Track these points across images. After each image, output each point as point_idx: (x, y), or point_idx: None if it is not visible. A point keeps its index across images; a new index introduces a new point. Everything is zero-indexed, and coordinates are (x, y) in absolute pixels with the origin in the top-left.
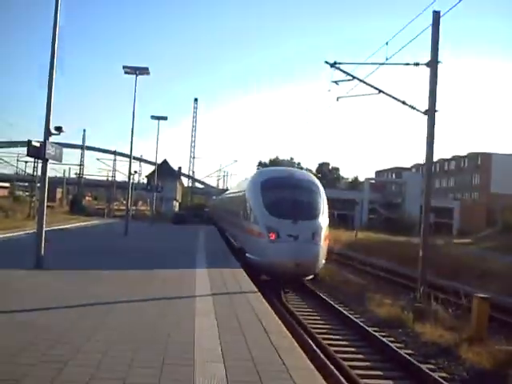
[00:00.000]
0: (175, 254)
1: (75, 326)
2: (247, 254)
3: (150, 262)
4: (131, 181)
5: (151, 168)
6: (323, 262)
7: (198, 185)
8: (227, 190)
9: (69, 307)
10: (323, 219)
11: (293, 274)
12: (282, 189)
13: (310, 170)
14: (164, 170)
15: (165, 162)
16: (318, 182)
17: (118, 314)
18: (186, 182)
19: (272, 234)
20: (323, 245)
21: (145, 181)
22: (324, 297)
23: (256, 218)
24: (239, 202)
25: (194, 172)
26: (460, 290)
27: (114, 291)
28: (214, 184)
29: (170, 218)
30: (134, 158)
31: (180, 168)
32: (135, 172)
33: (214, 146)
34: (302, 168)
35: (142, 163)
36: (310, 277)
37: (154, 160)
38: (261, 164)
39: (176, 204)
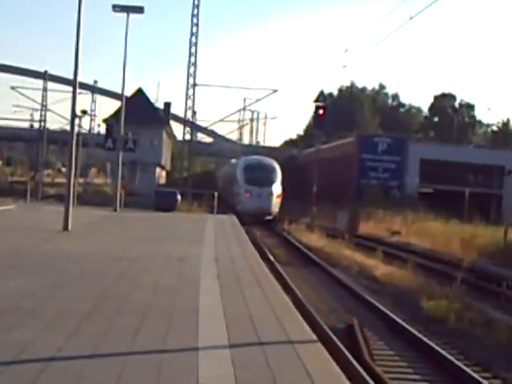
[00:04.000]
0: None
1: None
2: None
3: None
4: (76, 129)
5: (114, 106)
6: (276, 210)
7: (202, 137)
8: (258, 145)
9: None
10: (276, 186)
11: (258, 215)
12: (254, 169)
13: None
14: (138, 109)
15: (139, 92)
16: (275, 164)
17: None
18: (180, 131)
19: (248, 193)
20: (275, 200)
21: (102, 130)
22: (451, 358)
23: (240, 185)
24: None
25: (195, 113)
26: None
27: None
28: (231, 137)
29: (152, 200)
30: (83, 87)
31: (169, 106)
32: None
33: (231, 75)
34: None
35: (99, 96)
36: (270, 217)
37: (118, 90)
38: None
39: (162, 174)
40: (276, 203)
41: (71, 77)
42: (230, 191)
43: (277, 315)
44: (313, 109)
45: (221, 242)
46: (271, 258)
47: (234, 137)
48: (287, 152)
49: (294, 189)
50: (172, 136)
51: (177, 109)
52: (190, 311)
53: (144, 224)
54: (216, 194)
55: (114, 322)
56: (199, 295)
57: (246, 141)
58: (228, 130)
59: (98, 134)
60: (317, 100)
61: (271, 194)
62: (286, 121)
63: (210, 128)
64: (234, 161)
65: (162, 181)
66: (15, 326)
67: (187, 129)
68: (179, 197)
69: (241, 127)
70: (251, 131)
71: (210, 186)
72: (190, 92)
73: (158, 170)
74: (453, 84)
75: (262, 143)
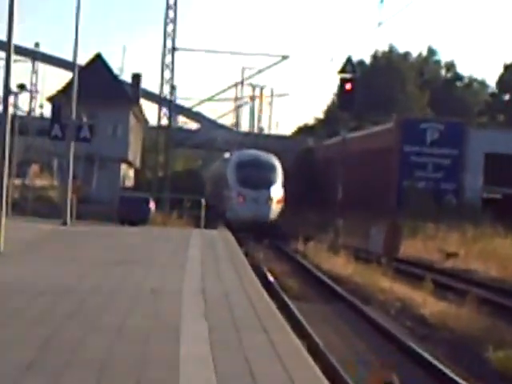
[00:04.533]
0: None
1: None
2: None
3: None
4: (10, 110)
5: (63, 79)
6: (274, 218)
7: (184, 122)
8: (261, 133)
9: None
10: (276, 188)
11: (253, 225)
12: (249, 167)
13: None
14: (97, 83)
15: (98, 60)
16: (275, 160)
17: None
18: (154, 114)
19: (241, 197)
20: (275, 206)
21: (46, 112)
22: None
23: (231, 187)
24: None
25: (174, 89)
26: None
27: None
28: (225, 121)
29: (115, 210)
30: (20, 52)
31: (138, 78)
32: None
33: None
34: None
35: (42, 66)
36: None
37: (69, 57)
38: None
39: (129, 173)
40: (276, 210)
41: (3, 38)
42: (218, 195)
43: (289, 374)
44: (337, 83)
45: (210, 268)
46: (280, 290)
47: (228, 122)
48: (301, 143)
49: (310, 193)
50: (143, 120)
51: (149, 83)
52: (167, 369)
53: (104, 243)
54: (203, 200)
55: None
56: (180, 344)
57: (244, 127)
58: (220, 113)
59: (41, 117)
60: (343, 71)
61: (270, 198)
62: (299, 100)
63: (195, 109)
64: (227, 155)
65: (129, 183)
66: None
67: (164, 110)
68: (152, 205)
69: (238, 108)
70: (252, 114)
71: (194, 190)
72: (168, 59)
73: (123, 167)
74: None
75: (266, 131)
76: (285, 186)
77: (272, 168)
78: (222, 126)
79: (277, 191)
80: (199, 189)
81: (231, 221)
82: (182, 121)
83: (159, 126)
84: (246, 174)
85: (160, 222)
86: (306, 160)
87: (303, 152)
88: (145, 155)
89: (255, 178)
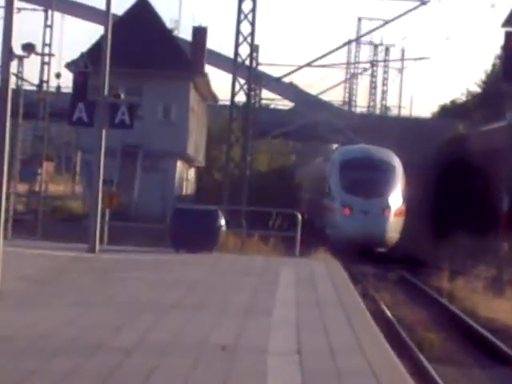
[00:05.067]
0: None
1: None
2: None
3: None
4: (12, 82)
5: (90, 37)
6: (394, 237)
7: (271, 99)
8: (386, 115)
9: None
10: (395, 197)
11: (363, 245)
12: (357, 168)
13: None
14: (141, 41)
15: (143, 7)
16: (394, 158)
17: None
18: (226, 86)
19: (346, 208)
20: (393, 221)
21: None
22: None
23: (333, 195)
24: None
25: (255, 48)
26: None
27: None
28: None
29: (167, 228)
30: None
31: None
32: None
33: None
34: None
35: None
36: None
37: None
38: None
39: (189, 174)
40: (395, 226)
41: None
42: (317, 206)
43: None
44: (501, 40)
45: (309, 317)
46: (415, 348)
47: (336, 99)
48: (447, 128)
49: (459, 203)
50: (209, 97)
51: (217, 41)
52: None
53: (151, 278)
54: (299, 215)
55: None
56: None
57: (361, 107)
58: (324, 87)
59: (58, 91)
60: (509, 22)
61: (386, 209)
62: (443, 66)
63: (287, 80)
64: (335, 148)
65: (190, 188)
66: None
67: (241, 82)
68: (223, 221)
69: (351, 79)
70: (372, 87)
71: (286, 199)
72: (247, 6)
73: (179, 166)
74: None
75: (394, 111)
76: (412, 192)
77: (389, 169)
78: (326, 106)
79: (396, 200)
80: (292, 197)
81: (333, 240)
82: (268, 97)
83: (233, 105)
84: (353, 178)
85: (235, 246)
86: (454, 154)
87: (450, 142)
88: (212, 149)
89: (366, 182)
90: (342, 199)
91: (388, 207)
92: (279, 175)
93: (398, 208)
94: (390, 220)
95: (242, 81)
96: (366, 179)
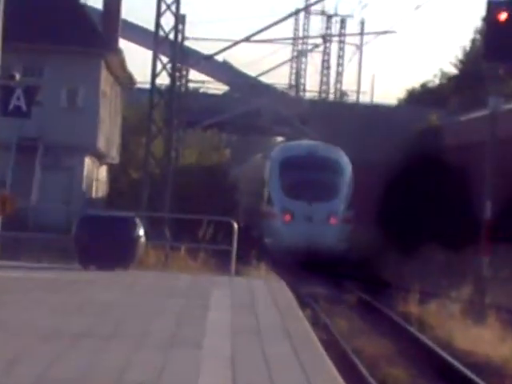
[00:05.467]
0: None
1: None
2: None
3: None
4: None
5: None
6: (342, 246)
7: (200, 82)
8: (344, 101)
9: None
10: (341, 201)
11: (307, 256)
12: (299, 168)
13: None
14: (38, 9)
15: None
16: (341, 156)
17: None
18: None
19: (287, 214)
20: (340, 228)
21: None
22: None
23: (272, 200)
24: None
25: (181, 19)
26: None
27: None
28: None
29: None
30: None
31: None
32: None
33: None
34: None
35: None
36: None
37: None
38: None
39: (100, 173)
40: (342, 234)
41: None
42: (254, 212)
43: None
44: (481, 12)
45: (246, 349)
46: None
47: (280, 82)
48: (416, 117)
49: (429, 208)
50: (125, 79)
51: (137, 10)
52: None
53: (52, 300)
54: (235, 223)
55: None
56: None
57: (311, 92)
58: (266, 67)
59: None
60: None
61: (332, 215)
62: (411, 43)
63: (221, 59)
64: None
65: (102, 190)
66: None
67: (164, 58)
68: (142, 231)
69: (298, 57)
70: (325, 67)
71: (219, 205)
72: None
73: (87, 162)
74: None
75: (350, 96)
76: (373, 195)
77: (336, 169)
78: (268, 90)
79: (344, 205)
80: (227, 202)
81: (272, 250)
82: (197, 80)
83: (154, 88)
84: (295, 179)
85: (156, 262)
86: (425, 150)
87: (419, 136)
88: (128, 142)
89: (310, 184)
90: (281, 204)
91: (334, 213)
92: (211, 175)
93: (345, 214)
94: (337, 227)
95: (166, 59)
96: (309, 181)
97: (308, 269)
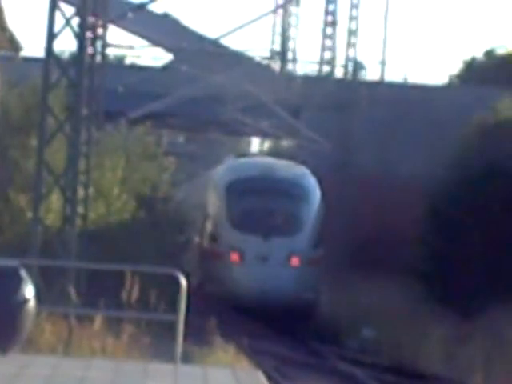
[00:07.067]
0: None
1: None
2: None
3: None
4: None
5: None
6: (309, 294)
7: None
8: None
9: None
10: (307, 235)
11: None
12: (252, 192)
13: None
14: None
15: None
16: (306, 177)
17: None
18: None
19: (235, 254)
20: (305, 271)
21: None
22: None
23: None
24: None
25: None
26: None
27: None
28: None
29: None
30: None
31: None
32: None
33: None
34: None
35: None
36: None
37: None
38: None
39: None
40: (307, 279)
41: None
42: (193, 249)
43: None
44: None
45: None
46: None
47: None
48: (473, 104)
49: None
50: (4, 42)
51: None
52: None
53: None
54: (181, 275)
55: None
56: None
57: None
58: (233, 24)
59: None
60: None
61: (294, 254)
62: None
63: (159, 10)
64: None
65: None
66: None
67: (68, 9)
68: (31, 291)
69: (286, 5)
70: (329, 23)
71: (157, 245)
72: None
73: None
74: None
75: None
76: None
77: (300, 194)
78: (238, 60)
79: (309, 241)
80: (170, 239)
81: (213, 296)
82: (121, 45)
83: (52, 58)
84: (246, 207)
85: (55, 341)
86: (491, 156)
87: (481, 132)
88: (8, 146)
89: (265, 214)
90: (227, 239)
91: (297, 252)
92: (144, 198)
93: (312, 253)
94: (300, 270)
95: (71, 10)
96: (264, 210)
97: (264, 326)
